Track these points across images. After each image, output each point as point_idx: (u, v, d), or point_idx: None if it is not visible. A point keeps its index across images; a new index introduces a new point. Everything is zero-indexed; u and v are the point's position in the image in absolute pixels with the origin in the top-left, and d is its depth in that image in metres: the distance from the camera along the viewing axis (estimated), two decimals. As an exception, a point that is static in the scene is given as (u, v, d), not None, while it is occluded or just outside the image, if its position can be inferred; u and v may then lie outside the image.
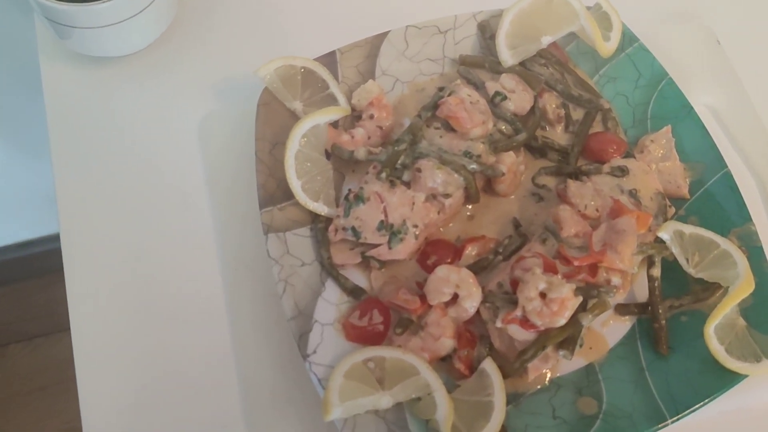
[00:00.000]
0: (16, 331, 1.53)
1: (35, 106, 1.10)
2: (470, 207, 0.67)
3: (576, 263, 0.59)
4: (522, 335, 0.58)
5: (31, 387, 1.48)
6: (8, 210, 1.37)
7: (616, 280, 0.60)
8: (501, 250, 0.63)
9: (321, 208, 0.64)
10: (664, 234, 0.62)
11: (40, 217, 1.41)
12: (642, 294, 0.64)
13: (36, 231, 1.47)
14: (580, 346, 0.59)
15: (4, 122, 1.14)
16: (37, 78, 0.76)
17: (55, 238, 1.58)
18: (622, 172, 0.66)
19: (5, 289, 1.55)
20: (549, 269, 0.58)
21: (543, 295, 0.56)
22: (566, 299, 0.56)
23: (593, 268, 0.59)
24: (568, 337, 0.58)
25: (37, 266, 1.52)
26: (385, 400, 0.56)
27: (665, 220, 0.64)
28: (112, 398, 0.60)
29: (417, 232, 0.62)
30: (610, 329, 0.63)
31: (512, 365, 0.58)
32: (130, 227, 0.68)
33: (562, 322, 0.56)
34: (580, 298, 0.57)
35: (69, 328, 1.53)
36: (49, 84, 0.74)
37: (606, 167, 0.66)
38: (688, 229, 0.63)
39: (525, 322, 0.57)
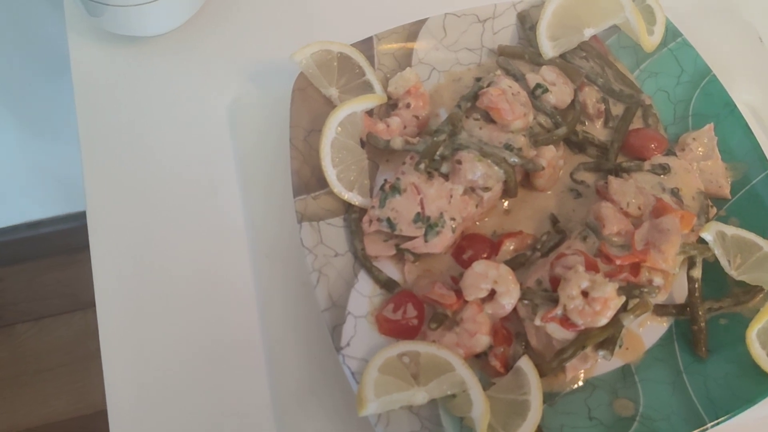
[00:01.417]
0: (24, 311, 1.54)
1: (58, 86, 1.08)
2: (507, 202, 0.65)
3: (618, 262, 0.58)
4: (561, 334, 0.57)
5: (38, 367, 1.48)
6: (20, 189, 1.36)
7: (658, 280, 0.58)
8: (539, 247, 0.62)
9: (355, 198, 0.63)
10: (707, 234, 0.60)
11: (51, 197, 1.41)
12: (680, 295, 0.63)
13: (47, 211, 1.46)
14: (620, 346, 0.58)
15: (24, 102, 1.13)
16: (65, 56, 0.74)
17: (66, 219, 1.58)
18: (664, 170, 0.64)
19: (14, 268, 1.55)
20: (591, 267, 0.57)
21: (585, 293, 0.55)
22: (609, 299, 0.54)
23: (635, 268, 0.58)
24: (608, 338, 0.56)
25: (48, 246, 1.52)
26: (420, 396, 0.55)
27: (707, 220, 0.63)
28: (137, 382, 0.59)
29: (454, 226, 0.60)
30: (646, 330, 0.62)
31: (549, 364, 0.57)
32: (158, 210, 0.66)
33: (604, 321, 0.55)
34: (623, 298, 0.55)
35: (77, 310, 1.52)
36: (78, 63, 0.73)
37: (647, 164, 0.65)
38: (730, 230, 0.61)
39: (565, 321, 0.56)
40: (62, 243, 1.49)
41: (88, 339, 1.49)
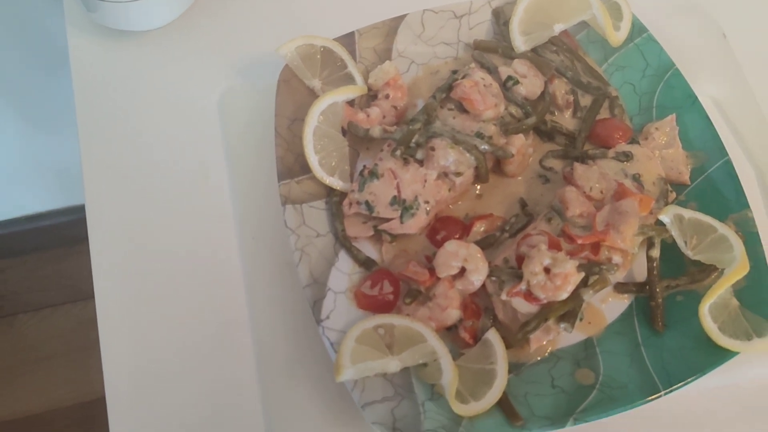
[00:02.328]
0: (25, 302, 1.55)
1: (56, 80, 1.12)
2: (479, 186, 0.70)
3: (579, 241, 0.62)
4: (525, 308, 0.61)
5: (38, 356, 1.51)
6: (20, 182, 1.39)
7: (617, 258, 0.63)
8: (507, 228, 0.66)
9: (336, 183, 0.67)
10: (665, 217, 0.65)
11: (51, 190, 1.44)
12: (641, 274, 0.67)
13: (47, 204, 1.50)
14: (580, 319, 0.62)
15: (23, 95, 1.16)
16: (64, 50, 0.78)
17: (65, 212, 1.60)
18: (627, 157, 0.68)
19: (15, 260, 1.58)
20: (553, 246, 0.61)
21: (547, 270, 0.59)
22: (569, 274, 0.59)
23: (596, 247, 0.62)
24: (569, 311, 0.61)
25: (47, 238, 1.55)
26: (393, 364, 0.59)
27: (666, 204, 0.67)
28: (133, 363, 0.63)
29: (428, 208, 0.64)
30: (608, 306, 0.66)
31: (515, 336, 0.61)
32: (153, 198, 0.70)
33: (565, 296, 0.59)
34: (583, 274, 0.60)
35: (77, 300, 1.55)
36: (76, 57, 0.76)
37: (611, 152, 0.69)
38: (688, 213, 0.65)
39: (529, 296, 0.60)
40: (62, 235, 1.51)
41: (86, 329, 1.52)
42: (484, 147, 0.65)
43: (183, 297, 0.66)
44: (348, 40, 0.72)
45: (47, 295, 1.56)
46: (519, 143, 0.68)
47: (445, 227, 0.66)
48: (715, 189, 0.68)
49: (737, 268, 0.62)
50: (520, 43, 0.72)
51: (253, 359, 0.64)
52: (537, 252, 0.60)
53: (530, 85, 0.70)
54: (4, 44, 1.03)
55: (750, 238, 0.65)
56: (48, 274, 1.59)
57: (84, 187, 0.71)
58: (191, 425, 0.61)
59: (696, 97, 0.71)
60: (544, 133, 0.72)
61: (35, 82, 1.12)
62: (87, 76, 0.76)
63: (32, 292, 1.58)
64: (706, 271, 0.65)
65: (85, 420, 1.45)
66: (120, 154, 0.72)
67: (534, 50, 0.73)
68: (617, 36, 0.73)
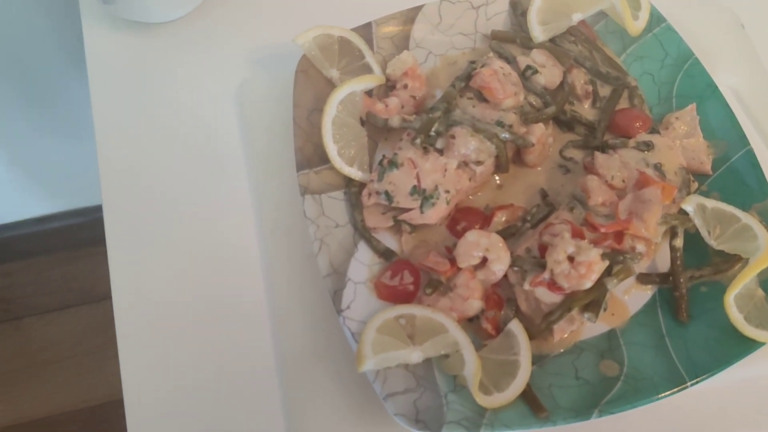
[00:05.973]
0: (32, 305, 1.55)
1: (66, 82, 1.11)
2: (499, 176, 0.69)
3: (603, 230, 0.61)
4: (548, 297, 0.60)
5: (46, 359, 1.50)
6: (28, 185, 1.39)
7: (640, 247, 0.62)
8: (529, 218, 0.65)
9: (355, 173, 0.66)
10: (688, 206, 0.64)
11: (60, 192, 1.44)
12: (664, 264, 0.66)
13: (55, 206, 1.49)
14: (604, 310, 0.61)
15: (36, 97, 1.15)
16: (76, 51, 0.78)
17: (74, 214, 1.59)
18: (648, 146, 0.68)
19: (22, 263, 1.58)
20: (577, 235, 0.60)
21: (571, 258, 0.59)
22: (593, 263, 0.58)
23: (619, 236, 0.61)
24: (593, 300, 0.60)
25: (55, 241, 1.54)
26: (415, 355, 0.58)
27: (689, 193, 0.66)
28: (151, 359, 0.62)
29: (448, 198, 0.64)
30: (631, 297, 0.65)
31: (538, 326, 0.60)
32: (170, 191, 0.70)
33: (589, 285, 0.58)
34: (607, 262, 0.59)
35: (84, 303, 1.54)
36: (92, 50, 0.76)
37: (632, 142, 0.68)
38: (711, 203, 0.64)
39: (552, 285, 0.59)
40: (70, 238, 1.51)
41: (95, 332, 1.51)
42: (505, 135, 0.65)
43: (202, 291, 0.65)
44: (365, 31, 0.71)
45: (55, 298, 1.56)
46: (539, 132, 0.67)
47: (465, 218, 0.66)
48: (737, 178, 0.68)
49: (762, 257, 0.61)
50: (538, 32, 0.72)
51: (272, 350, 0.63)
52: (560, 240, 0.59)
53: (549, 74, 0.70)
54: (18, 44, 1.03)
55: (775, 228, 0.64)
56: (55, 276, 1.59)
57: (100, 180, 0.70)
58: (209, 419, 0.61)
59: (716, 87, 0.71)
60: (564, 123, 0.71)
61: (49, 85, 1.12)
62: (103, 69, 0.76)
63: (40, 295, 1.57)
64: (731, 261, 0.64)
65: (94, 423, 1.44)
66: (136, 148, 0.72)
67: (552, 40, 0.73)
68: (636, 25, 0.72)
